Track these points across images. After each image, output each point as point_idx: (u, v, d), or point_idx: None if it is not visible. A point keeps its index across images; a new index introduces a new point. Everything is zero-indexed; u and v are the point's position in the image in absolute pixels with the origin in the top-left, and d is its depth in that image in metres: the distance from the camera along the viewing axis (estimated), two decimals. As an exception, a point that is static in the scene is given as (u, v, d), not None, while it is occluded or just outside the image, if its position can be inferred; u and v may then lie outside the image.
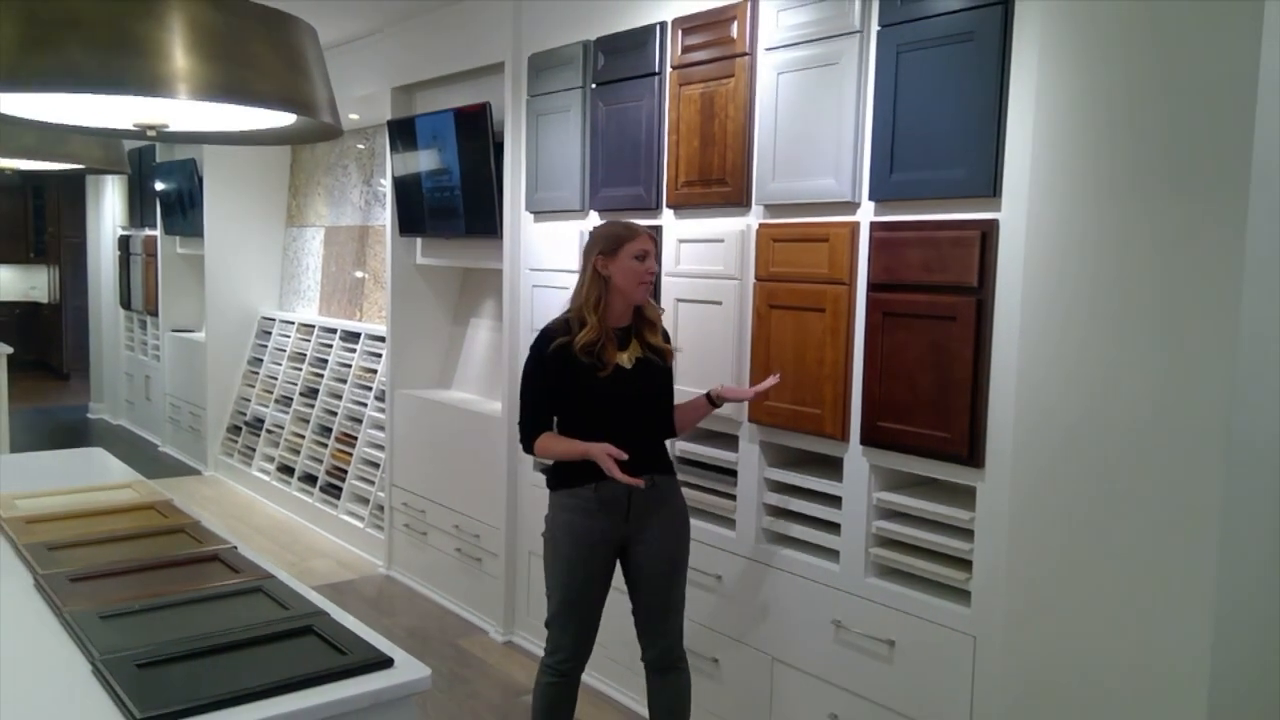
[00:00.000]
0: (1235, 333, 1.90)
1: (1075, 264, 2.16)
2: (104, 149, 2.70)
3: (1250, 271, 1.89)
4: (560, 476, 2.68)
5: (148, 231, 8.02)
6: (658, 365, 2.69)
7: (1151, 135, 2.02)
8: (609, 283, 2.61)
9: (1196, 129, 1.96)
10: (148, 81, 1.43)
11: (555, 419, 2.67)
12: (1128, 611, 2.09)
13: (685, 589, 2.76)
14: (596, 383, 2.59)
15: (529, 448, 2.67)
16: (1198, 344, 1.96)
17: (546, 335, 2.66)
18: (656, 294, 3.23)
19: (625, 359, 2.64)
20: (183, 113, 1.67)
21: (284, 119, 1.74)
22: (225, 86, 1.50)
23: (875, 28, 2.57)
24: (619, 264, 2.60)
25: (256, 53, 1.54)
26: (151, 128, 1.68)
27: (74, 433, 8.55)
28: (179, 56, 1.45)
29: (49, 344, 12.38)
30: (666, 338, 2.78)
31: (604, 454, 2.48)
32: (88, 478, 3.00)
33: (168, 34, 1.45)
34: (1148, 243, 2.04)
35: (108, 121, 1.75)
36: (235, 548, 2.26)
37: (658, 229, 3.24)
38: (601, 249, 2.62)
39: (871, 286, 2.60)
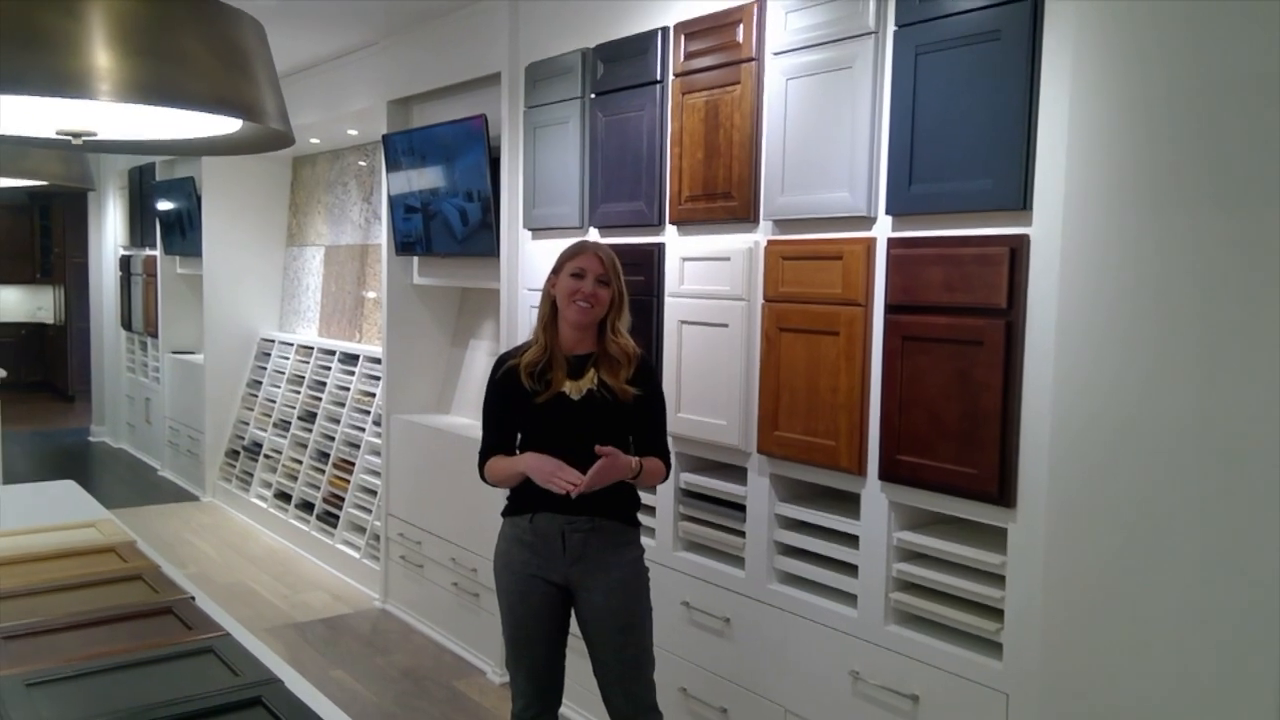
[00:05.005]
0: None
1: (1115, 282, 1.96)
2: (64, 164, 2.52)
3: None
4: (508, 505, 2.55)
5: (148, 251, 7.88)
6: (610, 402, 2.44)
7: (1197, 141, 1.83)
8: (556, 302, 2.48)
9: (1246, 133, 1.77)
10: (57, 80, 1.24)
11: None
12: (1179, 666, 1.87)
13: (650, 654, 2.50)
14: (532, 408, 2.44)
15: (481, 473, 2.54)
16: (1250, 369, 1.77)
17: (502, 357, 2.58)
18: (658, 316, 3.04)
19: (573, 388, 2.44)
20: (109, 118, 1.48)
21: (227, 125, 1.55)
22: (150, 86, 1.30)
23: (891, 28, 2.37)
24: (560, 281, 2.47)
25: (188, 48, 1.34)
26: (76, 135, 1.49)
27: (73, 457, 8.40)
28: (96, 52, 1.26)
29: (54, 365, 12.27)
30: (645, 378, 2.49)
31: (538, 465, 2.35)
32: (53, 514, 2.80)
33: (81, 26, 1.26)
34: (1195, 258, 1.84)
35: (27, 129, 1.56)
36: (192, 599, 2.07)
37: (660, 246, 3.04)
38: (554, 267, 2.50)
39: (889, 308, 2.39)
